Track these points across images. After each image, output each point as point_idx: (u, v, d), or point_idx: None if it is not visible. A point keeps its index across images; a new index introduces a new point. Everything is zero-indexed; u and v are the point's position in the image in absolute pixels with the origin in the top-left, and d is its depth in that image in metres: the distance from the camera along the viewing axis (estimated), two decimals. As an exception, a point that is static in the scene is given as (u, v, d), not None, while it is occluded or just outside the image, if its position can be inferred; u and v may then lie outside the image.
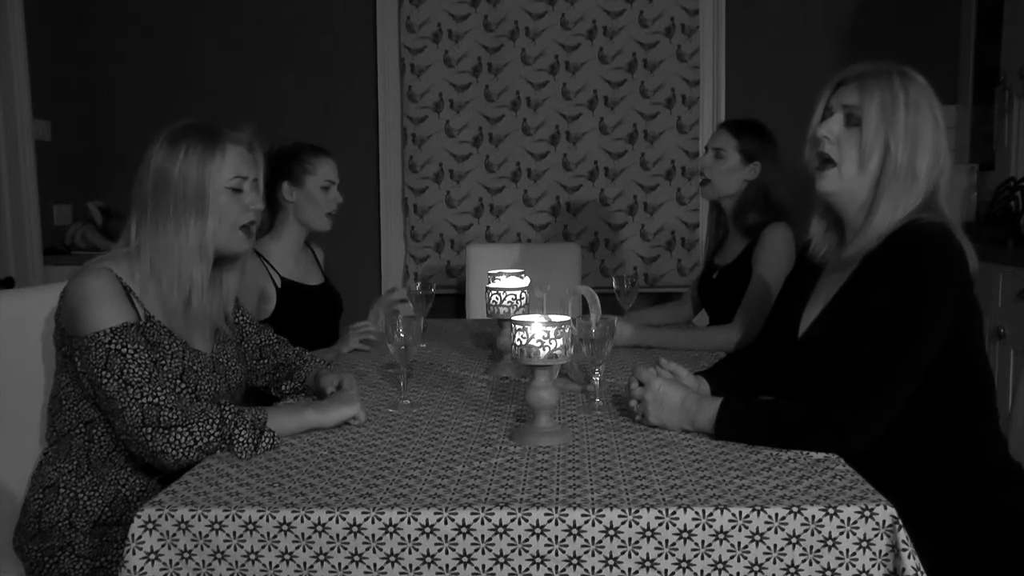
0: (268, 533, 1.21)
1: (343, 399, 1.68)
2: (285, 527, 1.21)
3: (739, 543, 1.20)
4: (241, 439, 1.49)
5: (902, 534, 1.19)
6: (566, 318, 1.52)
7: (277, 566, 1.22)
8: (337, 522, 1.21)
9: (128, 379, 1.56)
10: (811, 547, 1.20)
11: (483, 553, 1.20)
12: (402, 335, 1.75)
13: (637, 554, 1.20)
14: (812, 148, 1.64)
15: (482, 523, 1.20)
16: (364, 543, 1.21)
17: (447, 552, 1.20)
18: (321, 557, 1.21)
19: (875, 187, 1.57)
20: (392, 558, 1.21)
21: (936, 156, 1.57)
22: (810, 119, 1.65)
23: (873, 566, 1.20)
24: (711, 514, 1.20)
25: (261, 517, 1.22)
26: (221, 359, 1.82)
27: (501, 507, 1.21)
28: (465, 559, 1.20)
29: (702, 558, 1.20)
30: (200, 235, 1.68)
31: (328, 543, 1.21)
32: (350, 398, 1.68)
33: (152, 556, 1.22)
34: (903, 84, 1.57)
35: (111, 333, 1.58)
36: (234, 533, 1.22)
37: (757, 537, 1.20)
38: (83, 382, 1.65)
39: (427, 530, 1.20)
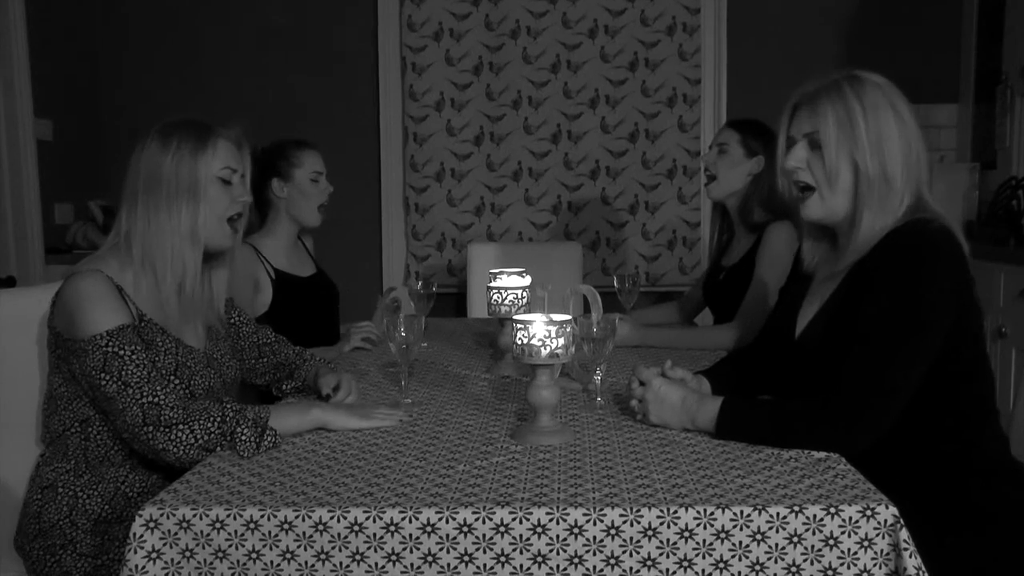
0: (269, 532, 1.21)
1: (358, 413, 1.65)
2: (286, 526, 1.21)
3: (740, 542, 1.20)
4: (243, 437, 1.49)
5: (903, 533, 1.19)
6: (567, 317, 1.52)
7: (278, 565, 1.22)
8: (338, 521, 1.21)
9: (127, 380, 1.56)
10: (812, 546, 1.20)
11: (484, 552, 1.20)
12: (403, 334, 1.75)
13: (638, 553, 1.20)
14: (786, 179, 1.64)
15: (483, 522, 1.20)
16: (365, 542, 1.21)
17: (448, 551, 1.20)
18: (322, 556, 1.21)
19: (853, 201, 1.56)
20: (393, 557, 1.21)
21: (908, 154, 1.54)
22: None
23: (875, 565, 1.20)
24: (712, 513, 1.20)
25: (262, 516, 1.22)
26: (215, 355, 1.82)
27: (502, 506, 1.21)
28: (466, 558, 1.20)
29: (703, 557, 1.20)
30: (192, 221, 1.69)
31: (329, 542, 1.21)
32: (364, 414, 1.64)
33: (154, 555, 1.22)
34: (856, 92, 1.54)
35: (107, 336, 1.58)
36: (235, 532, 1.22)
37: (758, 536, 1.20)
38: (80, 383, 1.65)
39: (428, 529, 1.20)
